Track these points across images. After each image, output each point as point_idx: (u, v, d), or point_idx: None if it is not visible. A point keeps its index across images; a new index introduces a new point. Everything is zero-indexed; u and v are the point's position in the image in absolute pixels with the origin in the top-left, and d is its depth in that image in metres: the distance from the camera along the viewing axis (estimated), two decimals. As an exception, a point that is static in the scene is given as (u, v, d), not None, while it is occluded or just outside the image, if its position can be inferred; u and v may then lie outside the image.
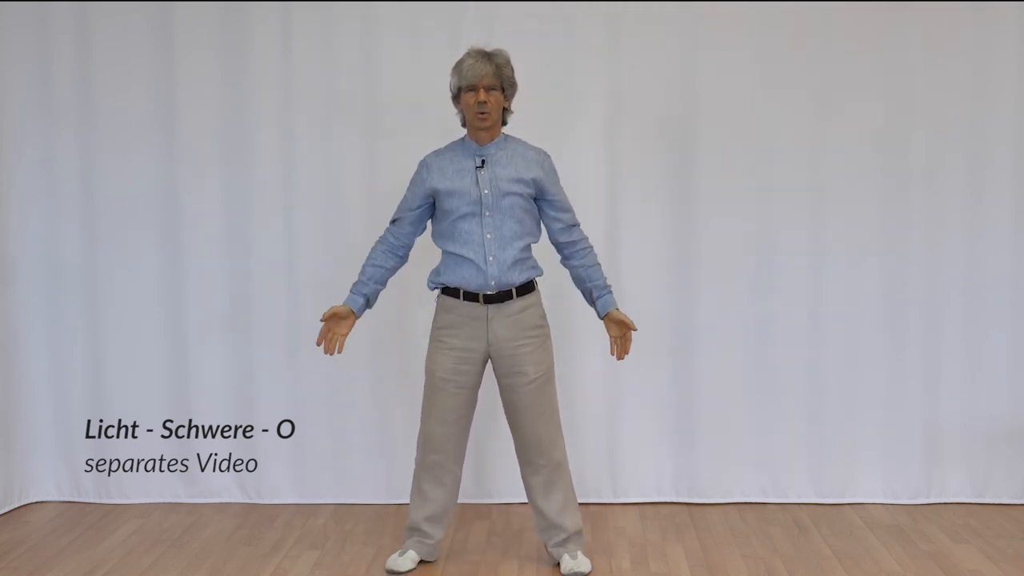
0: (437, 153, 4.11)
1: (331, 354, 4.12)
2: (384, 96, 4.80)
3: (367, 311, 4.15)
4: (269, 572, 4.12)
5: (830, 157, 4.78)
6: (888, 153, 4.78)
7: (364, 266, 4.12)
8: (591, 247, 4.15)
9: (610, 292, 4.13)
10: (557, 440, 4.09)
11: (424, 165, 4.09)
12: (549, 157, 4.11)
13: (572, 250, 4.11)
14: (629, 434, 4.89)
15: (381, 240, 4.14)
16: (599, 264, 4.16)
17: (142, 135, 4.87)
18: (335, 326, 4.08)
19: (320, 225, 4.85)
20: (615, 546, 4.36)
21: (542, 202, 4.07)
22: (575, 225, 4.11)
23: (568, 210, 4.10)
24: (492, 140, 4.05)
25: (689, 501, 4.88)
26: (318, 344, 4.11)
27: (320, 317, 4.09)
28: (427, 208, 4.09)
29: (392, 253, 4.13)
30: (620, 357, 4.15)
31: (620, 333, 4.12)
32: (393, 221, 4.13)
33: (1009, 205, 4.76)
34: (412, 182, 4.11)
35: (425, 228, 4.17)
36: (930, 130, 4.75)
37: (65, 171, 4.90)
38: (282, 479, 4.94)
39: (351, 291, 4.10)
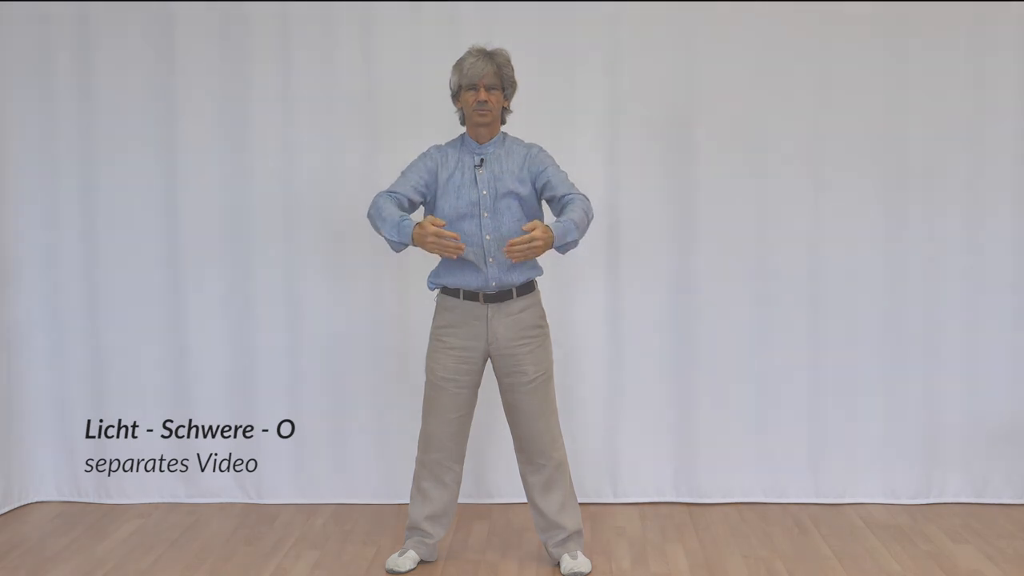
0: (438, 148, 4.12)
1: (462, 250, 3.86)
2: (384, 95, 4.81)
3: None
4: (269, 572, 4.12)
5: (830, 158, 4.78)
6: (888, 154, 4.78)
7: (382, 213, 3.92)
8: (579, 200, 3.95)
9: (566, 224, 3.85)
10: (557, 439, 4.09)
11: (428, 156, 4.09)
12: (543, 149, 4.10)
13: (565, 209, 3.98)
14: (629, 434, 4.89)
15: (385, 196, 3.98)
16: (582, 211, 3.91)
17: (142, 134, 4.87)
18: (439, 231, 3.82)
19: (320, 224, 4.86)
20: (615, 546, 4.36)
21: (543, 189, 4.04)
22: (567, 194, 3.99)
23: (560, 184, 4.01)
24: (491, 139, 4.06)
25: (689, 501, 4.88)
26: (451, 245, 3.82)
27: (433, 241, 3.81)
28: (422, 193, 4.04)
29: (399, 205, 4.00)
30: (508, 247, 3.81)
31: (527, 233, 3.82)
32: (391, 193, 4.01)
33: (1009, 204, 4.76)
34: (417, 162, 4.06)
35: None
36: (929, 129, 4.75)
37: (65, 171, 4.90)
38: (282, 479, 4.94)
39: (397, 223, 3.88)
